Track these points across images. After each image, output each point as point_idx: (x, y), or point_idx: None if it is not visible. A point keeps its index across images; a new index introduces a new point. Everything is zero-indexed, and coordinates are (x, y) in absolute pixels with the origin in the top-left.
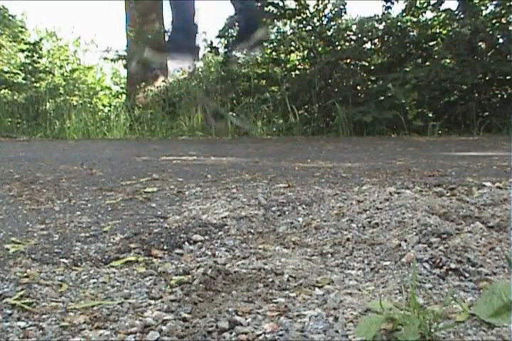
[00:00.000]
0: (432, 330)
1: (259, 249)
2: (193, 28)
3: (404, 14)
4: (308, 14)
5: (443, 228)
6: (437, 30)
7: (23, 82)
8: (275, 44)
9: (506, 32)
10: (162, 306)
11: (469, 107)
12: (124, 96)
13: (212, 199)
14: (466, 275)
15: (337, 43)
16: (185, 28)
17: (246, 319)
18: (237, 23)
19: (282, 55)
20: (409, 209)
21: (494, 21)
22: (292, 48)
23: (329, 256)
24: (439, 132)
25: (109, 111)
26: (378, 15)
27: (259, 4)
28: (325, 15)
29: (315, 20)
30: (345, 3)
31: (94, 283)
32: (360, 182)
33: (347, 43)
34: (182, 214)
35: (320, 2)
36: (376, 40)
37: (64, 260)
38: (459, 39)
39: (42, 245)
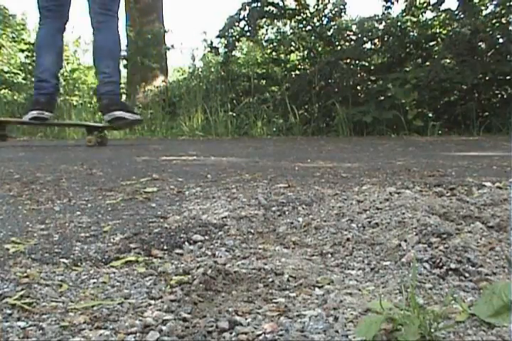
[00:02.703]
0: (432, 330)
1: (259, 249)
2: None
3: (404, 14)
4: (308, 14)
5: (443, 228)
6: (437, 30)
7: (23, 82)
8: (275, 44)
9: (506, 32)
10: (162, 306)
11: (469, 107)
12: (124, 96)
13: (212, 199)
14: (466, 275)
15: (337, 43)
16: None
17: (246, 319)
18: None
19: (282, 55)
20: (409, 209)
21: (494, 21)
22: (292, 48)
23: (329, 256)
24: (439, 132)
25: None
26: (378, 15)
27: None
28: (325, 15)
29: (315, 20)
30: (345, 3)
31: (94, 283)
32: (360, 182)
33: (347, 43)
34: (182, 214)
35: (320, 2)
36: (376, 40)
37: (64, 260)
38: (459, 39)
39: (42, 245)
